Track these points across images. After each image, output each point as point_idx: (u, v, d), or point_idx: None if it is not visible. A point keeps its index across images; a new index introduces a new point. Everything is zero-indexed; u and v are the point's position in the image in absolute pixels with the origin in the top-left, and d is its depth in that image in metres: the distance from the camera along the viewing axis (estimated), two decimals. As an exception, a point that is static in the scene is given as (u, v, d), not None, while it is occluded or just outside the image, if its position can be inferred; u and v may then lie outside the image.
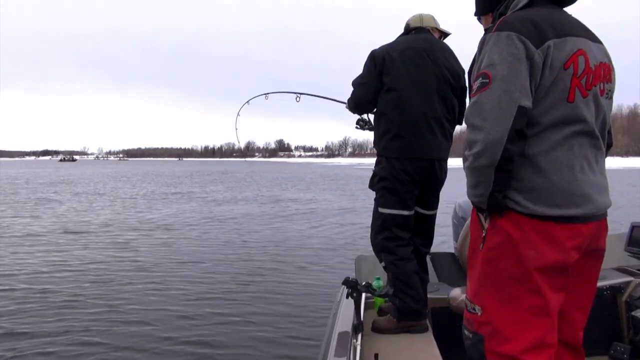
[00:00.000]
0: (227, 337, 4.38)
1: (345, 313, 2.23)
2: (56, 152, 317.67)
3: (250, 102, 3.43)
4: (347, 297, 2.14)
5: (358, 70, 2.48)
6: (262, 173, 49.64)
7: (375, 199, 2.41)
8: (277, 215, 13.67)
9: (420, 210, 2.44)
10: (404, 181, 2.30)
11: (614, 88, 1.43)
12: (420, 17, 2.54)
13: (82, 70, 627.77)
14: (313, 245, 9.05)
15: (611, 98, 1.42)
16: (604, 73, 1.36)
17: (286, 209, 15.35)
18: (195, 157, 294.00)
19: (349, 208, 15.77)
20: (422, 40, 2.42)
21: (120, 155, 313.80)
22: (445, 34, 2.60)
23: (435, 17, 2.59)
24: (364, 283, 2.18)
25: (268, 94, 3.35)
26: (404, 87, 2.31)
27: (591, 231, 1.35)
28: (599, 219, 1.38)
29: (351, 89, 2.51)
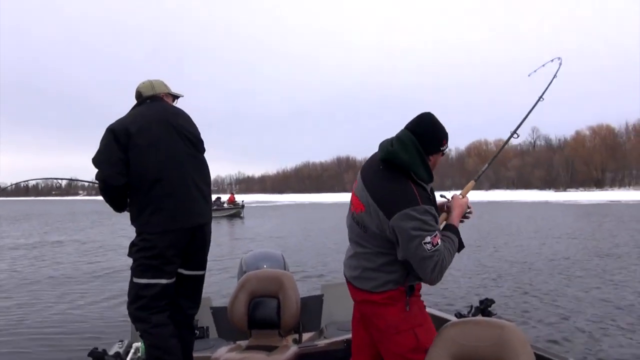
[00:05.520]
0: None
1: None
2: None
3: None
4: None
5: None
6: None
7: (132, 268, 2.29)
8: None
9: (184, 272, 2.38)
10: (165, 255, 2.23)
11: None
12: (151, 84, 2.49)
13: None
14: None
15: None
16: None
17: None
18: (5, 196, 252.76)
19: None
20: (160, 110, 2.39)
21: None
22: (176, 97, 2.58)
23: (166, 82, 2.56)
24: (113, 352, 2.18)
25: None
26: (155, 160, 2.25)
27: None
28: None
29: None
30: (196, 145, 2.45)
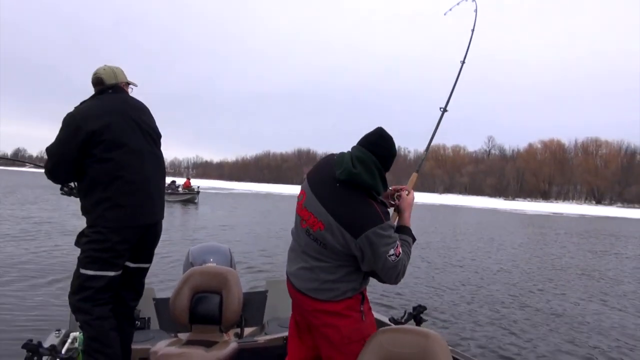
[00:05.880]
0: None
1: None
2: None
3: None
4: None
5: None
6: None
7: (79, 259, 2.25)
8: None
9: (131, 264, 2.36)
10: (116, 249, 2.21)
11: None
12: (113, 72, 2.40)
13: None
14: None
15: None
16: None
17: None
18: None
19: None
20: (123, 102, 2.34)
21: None
22: (131, 85, 2.53)
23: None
24: (49, 344, 2.15)
25: None
26: (119, 155, 2.21)
27: None
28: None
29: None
30: (156, 141, 2.44)
